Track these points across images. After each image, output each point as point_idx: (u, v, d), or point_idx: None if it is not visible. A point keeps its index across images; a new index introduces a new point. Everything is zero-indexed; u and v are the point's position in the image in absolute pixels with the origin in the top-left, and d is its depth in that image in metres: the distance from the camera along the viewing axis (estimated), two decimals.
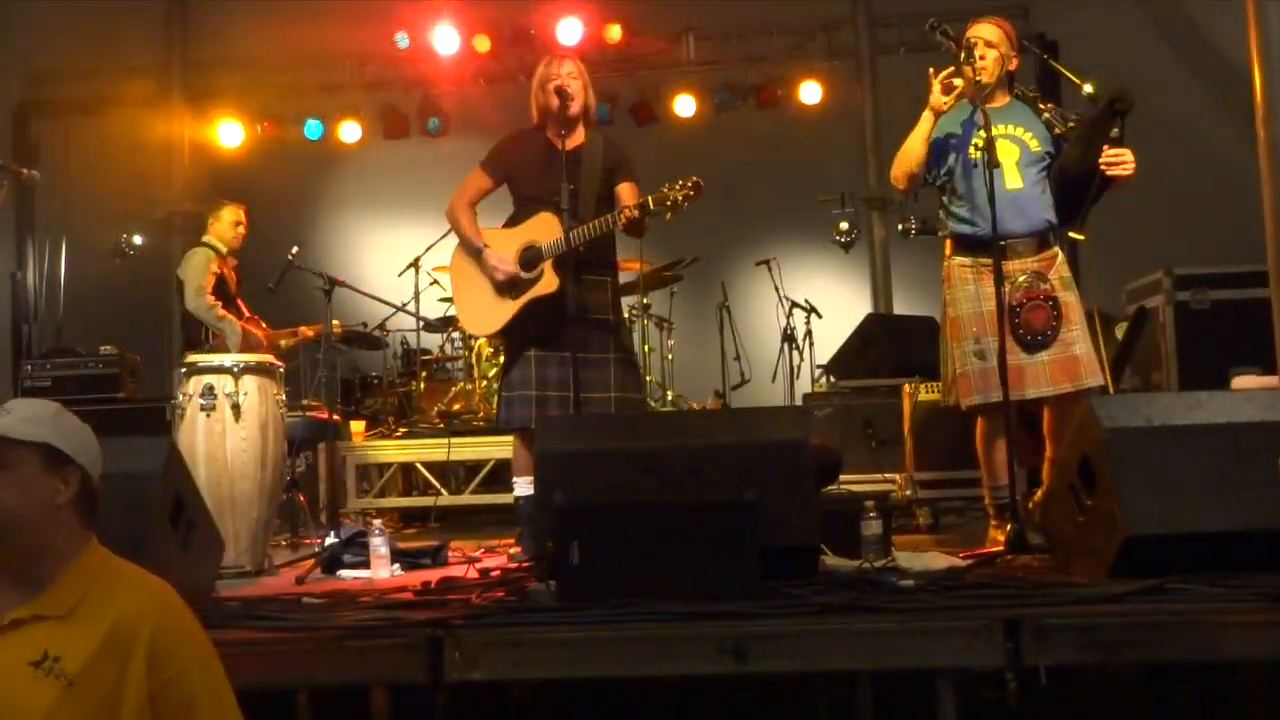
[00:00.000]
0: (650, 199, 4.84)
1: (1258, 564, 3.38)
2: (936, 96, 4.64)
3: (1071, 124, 4.70)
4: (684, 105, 10.93)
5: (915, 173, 4.79)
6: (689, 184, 4.81)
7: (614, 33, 10.60)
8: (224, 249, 6.96)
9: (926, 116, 4.71)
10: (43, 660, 2.07)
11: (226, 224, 7.00)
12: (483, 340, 7.85)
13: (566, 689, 3.56)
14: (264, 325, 7.03)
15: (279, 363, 5.39)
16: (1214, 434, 3.58)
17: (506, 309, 5.09)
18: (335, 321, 6.91)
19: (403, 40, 10.65)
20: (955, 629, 3.12)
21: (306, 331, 7.24)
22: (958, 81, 4.60)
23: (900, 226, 9.46)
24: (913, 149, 4.76)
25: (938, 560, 4.20)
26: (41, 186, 10.18)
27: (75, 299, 10.79)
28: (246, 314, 7.01)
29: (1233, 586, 3.26)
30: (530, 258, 5.02)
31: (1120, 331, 7.18)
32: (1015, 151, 4.69)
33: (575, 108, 5.03)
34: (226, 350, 6.37)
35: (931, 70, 4.67)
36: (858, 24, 10.96)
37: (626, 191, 5.11)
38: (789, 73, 10.86)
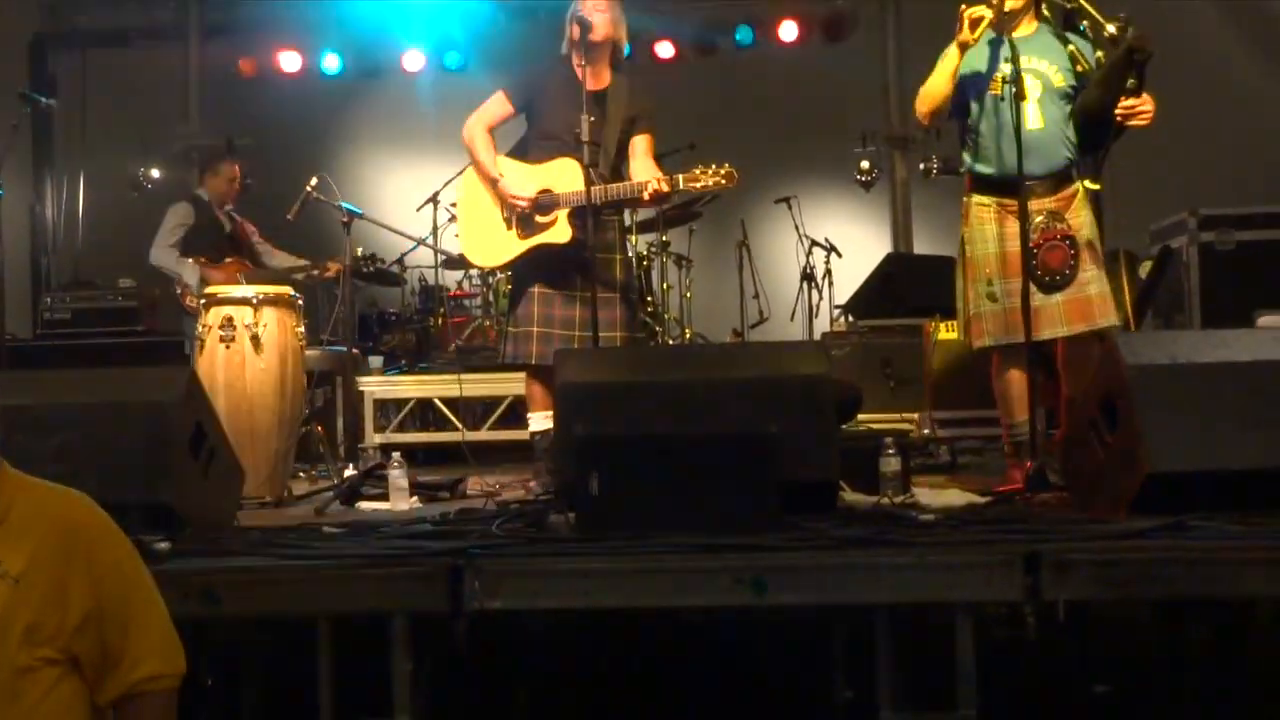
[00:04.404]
0: (681, 179, 4.83)
1: None
2: (965, 32, 4.50)
3: (1099, 55, 4.58)
4: (703, 41, 10.78)
5: (940, 109, 4.71)
6: (722, 172, 4.79)
7: None
8: (208, 198, 7.30)
9: (953, 52, 4.59)
10: None
11: (223, 179, 7.40)
12: (501, 277, 7.83)
13: (583, 619, 3.58)
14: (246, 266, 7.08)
15: (298, 295, 5.39)
16: (1239, 372, 3.56)
17: (513, 246, 5.04)
18: (332, 263, 6.95)
19: None
20: (975, 563, 3.12)
21: (301, 274, 7.28)
22: (986, 12, 4.47)
23: (922, 166, 9.42)
24: (938, 85, 4.66)
25: (957, 497, 4.21)
26: (59, 119, 10.22)
27: (93, 232, 10.79)
28: (258, 248, 7.14)
29: (1253, 524, 3.25)
30: (546, 201, 4.97)
31: (1144, 271, 7.12)
32: (1038, 88, 4.56)
33: (595, 37, 4.94)
34: (190, 294, 6.71)
35: (963, 7, 4.53)
36: None
37: (643, 144, 5.08)
38: (811, 8, 10.71)
